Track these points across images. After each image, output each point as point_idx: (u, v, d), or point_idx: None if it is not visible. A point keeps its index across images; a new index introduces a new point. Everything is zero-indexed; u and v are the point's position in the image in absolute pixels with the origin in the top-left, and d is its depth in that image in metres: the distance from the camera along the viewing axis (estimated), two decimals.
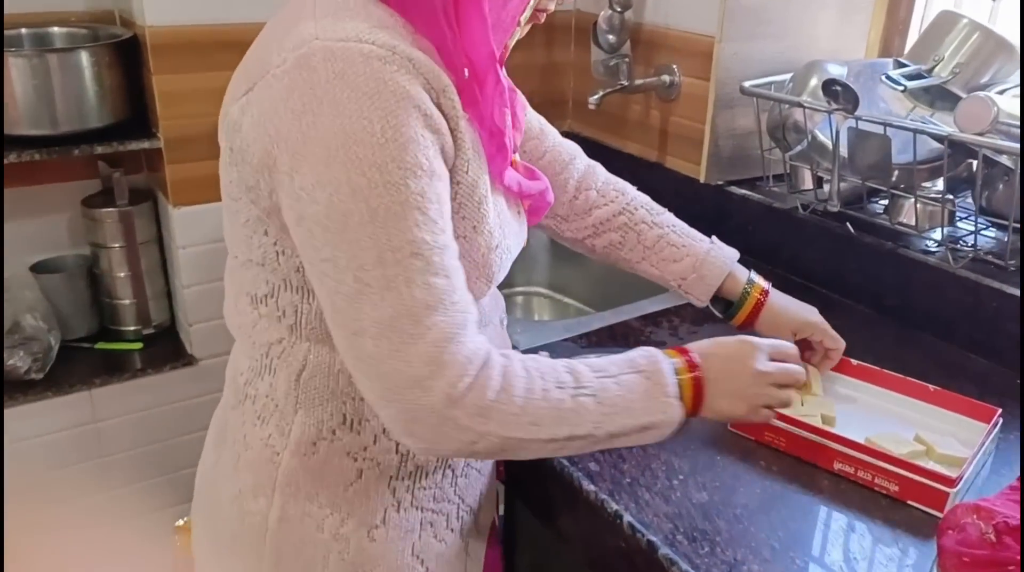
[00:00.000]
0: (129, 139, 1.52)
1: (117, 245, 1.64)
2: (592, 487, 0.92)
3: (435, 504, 0.88)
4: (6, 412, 1.52)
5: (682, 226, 1.11)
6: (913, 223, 1.28)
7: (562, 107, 1.86)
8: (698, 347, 0.83)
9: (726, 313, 1.09)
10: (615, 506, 0.89)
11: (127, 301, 1.69)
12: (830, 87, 1.23)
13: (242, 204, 0.75)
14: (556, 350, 1.19)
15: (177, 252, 1.60)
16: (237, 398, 0.84)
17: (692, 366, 0.80)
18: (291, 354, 0.79)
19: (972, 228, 1.29)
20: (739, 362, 0.82)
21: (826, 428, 0.97)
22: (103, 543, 1.56)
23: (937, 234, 1.30)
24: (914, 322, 1.27)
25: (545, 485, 1.00)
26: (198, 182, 1.55)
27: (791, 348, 0.87)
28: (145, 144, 1.53)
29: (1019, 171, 1.12)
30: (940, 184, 1.32)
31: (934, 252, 1.29)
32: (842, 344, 1.07)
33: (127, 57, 1.53)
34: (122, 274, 1.66)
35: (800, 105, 1.31)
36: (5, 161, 1.42)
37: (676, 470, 0.95)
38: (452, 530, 0.90)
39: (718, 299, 1.09)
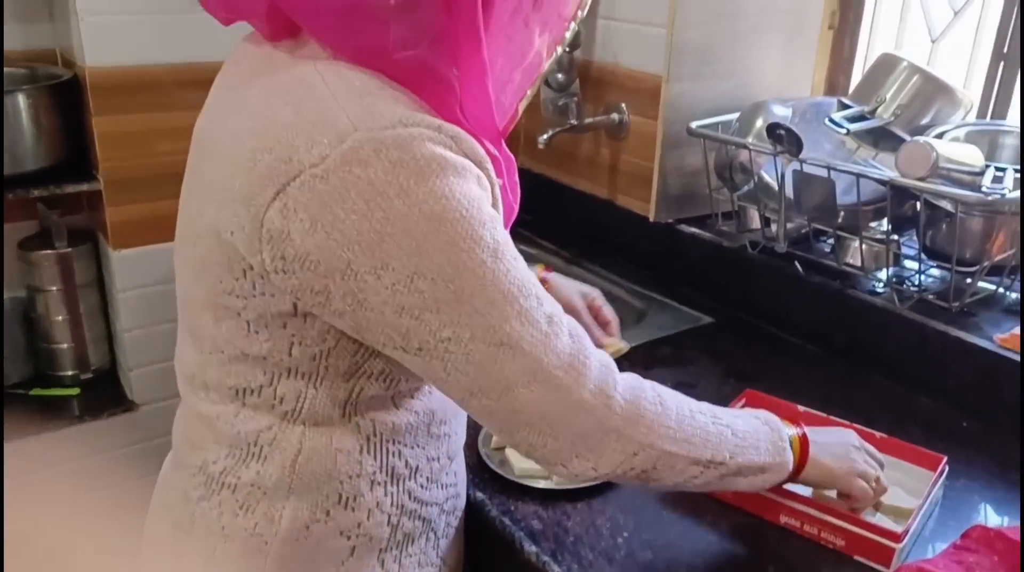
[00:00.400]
0: (67, 181, 1.48)
1: (55, 288, 1.59)
2: (534, 548, 0.89)
3: (419, 570, 0.86)
4: None
5: None
6: (859, 263, 1.29)
7: (513, 144, 1.84)
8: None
9: None
10: (557, 569, 0.86)
11: (65, 345, 1.63)
12: (774, 131, 1.23)
13: (257, 301, 0.70)
14: None
15: (118, 295, 1.56)
16: (209, 489, 0.79)
17: (799, 427, 0.87)
18: (283, 440, 0.76)
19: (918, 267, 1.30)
20: (839, 435, 0.93)
21: None
22: None
23: (884, 274, 1.30)
24: (862, 363, 1.27)
25: (486, 546, 0.97)
26: (139, 224, 1.50)
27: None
28: (84, 186, 1.48)
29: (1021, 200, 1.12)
30: (886, 224, 1.33)
31: (881, 293, 1.29)
32: (615, 320, 1.15)
33: (67, 98, 1.49)
34: (60, 318, 1.61)
35: (745, 147, 1.31)
36: None
37: (621, 527, 0.93)
38: None
39: None
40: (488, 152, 0.71)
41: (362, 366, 0.74)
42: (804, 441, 0.86)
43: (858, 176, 1.19)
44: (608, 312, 1.14)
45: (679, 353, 1.32)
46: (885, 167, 1.27)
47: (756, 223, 1.41)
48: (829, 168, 1.20)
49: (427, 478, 0.83)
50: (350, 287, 0.66)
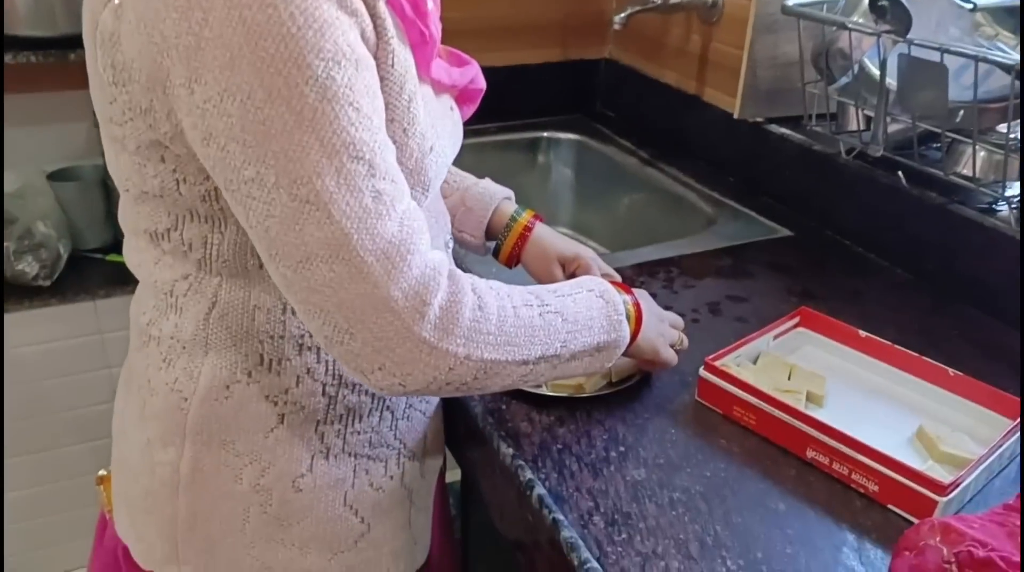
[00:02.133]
0: None
1: None
2: (509, 449, 0.80)
3: (371, 450, 0.79)
4: (12, 316, 1.52)
5: (461, 172, 1.00)
6: (971, 174, 1.07)
7: (601, 31, 1.68)
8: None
9: (495, 251, 0.99)
10: (528, 475, 0.77)
11: None
12: (876, 3, 1.02)
13: (130, 129, 0.65)
14: None
15: None
16: (140, 340, 0.77)
17: (633, 297, 0.79)
18: (199, 291, 0.71)
19: None
20: (650, 300, 0.86)
21: (807, 409, 0.82)
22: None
23: (1002, 189, 1.08)
24: (955, 291, 1.08)
25: (467, 440, 0.89)
26: None
27: None
28: None
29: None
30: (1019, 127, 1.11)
31: (996, 210, 1.08)
32: (616, 277, 0.96)
33: None
34: None
35: (844, 26, 1.10)
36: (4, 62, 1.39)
37: (618, 440, 0.82)
38: (391, 477, 0.81)
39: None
40: None
41: None
42: (638, 310, 0.79)
43: (977, 60, 0.97)
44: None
45: (740, 265, 1.16)
46: None
47: (854, 124, 1.21)
48: (942, 51, 0.99)
49: None
50: (170, 105, 0.60)
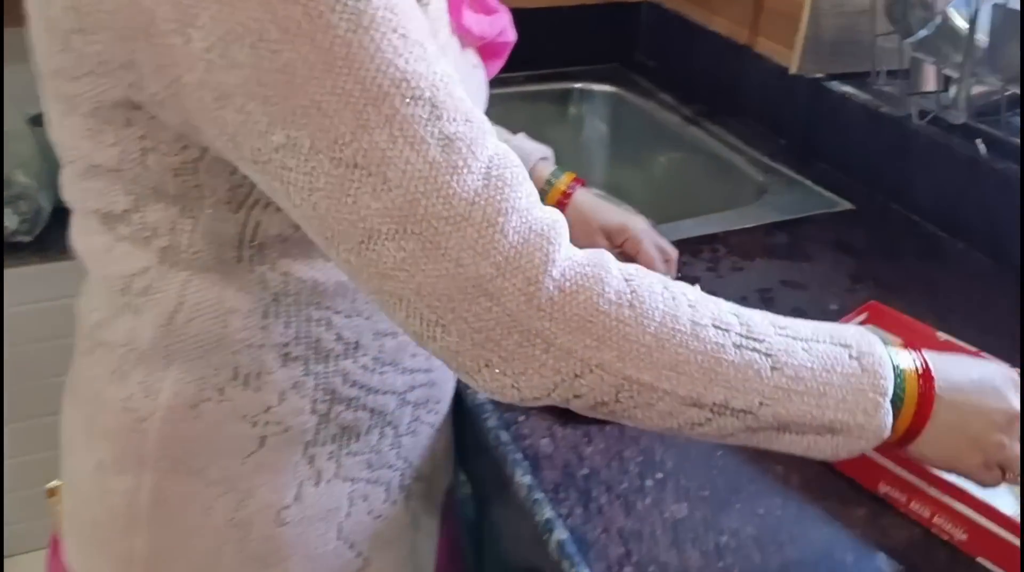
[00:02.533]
0: None
1: None
2: (527, 479, 0.68)
3: (370, 472, 0.67)
4: None
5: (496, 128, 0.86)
6: None
7: None
8: (936, 353, 0.57)
9: None
10: (547, 513, 0.65)
11: None
12: None
13: (87, 85, 0.51)
14: None
15: None
16: (87, 344, 0.64)
17: (925, 370, 0.54)
18: (159, 289, 0.58)
19: None
20: (992, 391, 0.57)
21: None
22: None
23: None
24: None
25: (478, 463, 0.77)
26: None
27: None
28: None
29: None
30: None
31: None
32: (672, 253, 0.86)
33: None
34: None
35: None
36: None
37: (655, 464, 0.70)
38: (394, 502, 0.70)
39: None
40: None
41: (252, 190, 0.53)
42: (925, 397, 0.53)
43: None
44: (648, 254, 0.83)
45: (797, 243, 1.03)
46: None
47: (931, 84, 1.07)
48: None
49: (374, 358, 0.63)
50: (159, 58, 0.46)
